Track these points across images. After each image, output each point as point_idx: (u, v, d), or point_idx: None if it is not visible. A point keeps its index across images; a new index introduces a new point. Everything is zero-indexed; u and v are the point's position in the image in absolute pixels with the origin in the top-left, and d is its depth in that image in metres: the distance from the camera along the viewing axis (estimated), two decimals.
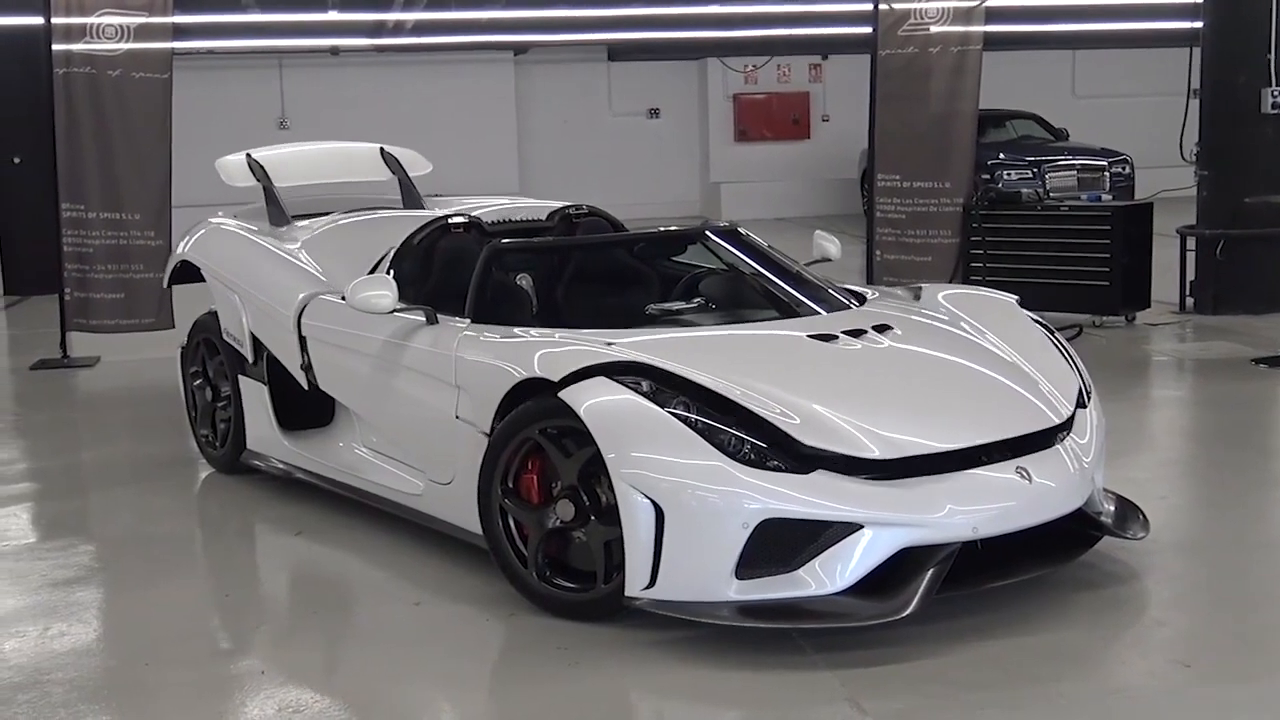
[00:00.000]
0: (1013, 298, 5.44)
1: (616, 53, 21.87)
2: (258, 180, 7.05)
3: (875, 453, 4.14)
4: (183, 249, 7.03)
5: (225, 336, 6.29)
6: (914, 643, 4.05)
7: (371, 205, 7.16)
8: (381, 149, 7.67)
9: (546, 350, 4.54)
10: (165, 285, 7.62)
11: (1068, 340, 5.13)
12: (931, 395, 4.59)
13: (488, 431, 4.58)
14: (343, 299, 5.42)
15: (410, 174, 7.52)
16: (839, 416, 4.23)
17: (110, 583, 5.06)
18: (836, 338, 4.76)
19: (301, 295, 5.83)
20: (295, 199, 7.11)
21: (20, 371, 9.45)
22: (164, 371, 7.99)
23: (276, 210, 6.82)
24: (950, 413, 4.47)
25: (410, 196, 7.36)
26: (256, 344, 6.07)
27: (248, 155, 7.25)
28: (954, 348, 4.92)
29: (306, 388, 5.80)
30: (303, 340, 5.76)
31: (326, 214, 6.86)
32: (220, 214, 7.12)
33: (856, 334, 4.81)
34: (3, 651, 4.29)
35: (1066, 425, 4.58)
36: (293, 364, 5.83)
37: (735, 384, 4.28)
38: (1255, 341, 8.95)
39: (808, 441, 4.12)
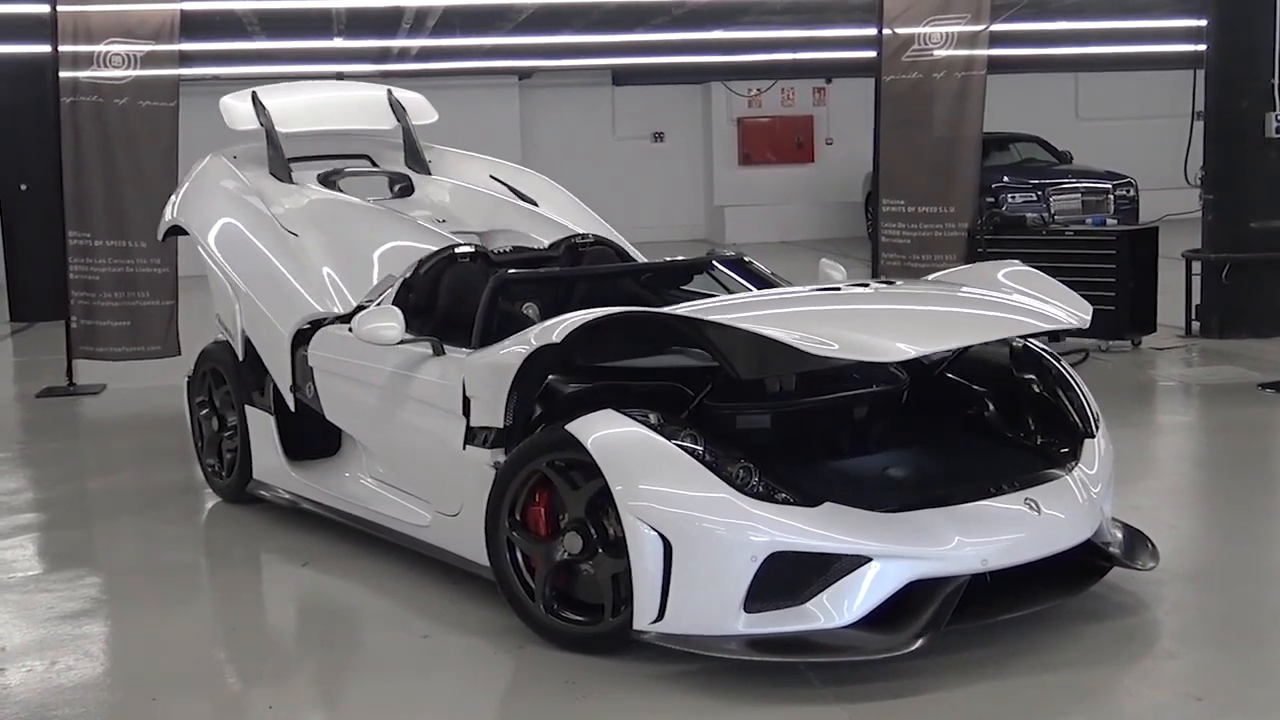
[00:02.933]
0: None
1: (621, 77, 21.93)
2: (261, 124, 6.94)
3: (911, 353, 4.18)
4: (172, 210, 6.90)
5: (216, 320, 6.29)
6: (922, 676, 4.03)
7: (370, 161, 7.17)
8: (390, 92, 7.57)
9: (550, 324, 4.52)
10: (160, 240, 7.44)
11: (1073, 365, 5.12)
12: (944, 311, 4.75)
13: (502, 426, 4.56)
14: (349, 330, 5.45)
15: (416, 122, 7.41)
16: (868, 335, 4.25)
17: (117, 615, 5.05)
18: (840, 288, 5.06)
19: (299, 317, 5.82)
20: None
21: (26, 399, 9.46)
22: (170, 399, 8.01)
23: (277, 157, 6.76)
24: (968, 320, 4.66)
25: (412, 148, 7.28)
26: (247, 343, 6.08)
27: (253, 94, 7.13)
28: (958, 289, 5.07)
29: (293, 409, 5.80)
30: (295, 362, 5.77)
31: (324, 158, 6.81)
32: (219, 154, 6.96)
33: (861, 285, 5.12)
34: (10, 686, 4.28)
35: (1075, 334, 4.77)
36: (283, 383, 5.83)
37: (758, 324, 4.27)
38: (1261, 366, 8.94)
39: (846, 357, 4.12)
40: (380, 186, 7.17)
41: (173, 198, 7.08)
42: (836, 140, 22.14)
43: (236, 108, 7.09)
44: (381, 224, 6.43)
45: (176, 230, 7.01)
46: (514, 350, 4.57)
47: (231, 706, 4.17)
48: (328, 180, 6.91)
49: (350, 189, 6.95)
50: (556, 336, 4.39)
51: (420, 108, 7.57)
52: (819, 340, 4.10)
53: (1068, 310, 4.74)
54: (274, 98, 7.16)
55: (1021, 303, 4.79)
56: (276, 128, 6.92)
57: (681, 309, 4.49)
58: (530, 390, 4.58)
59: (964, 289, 4.97)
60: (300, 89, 7.72)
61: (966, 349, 4.97)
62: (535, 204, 7.07)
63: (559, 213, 7.02)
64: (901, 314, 4.79)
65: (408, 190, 7.02)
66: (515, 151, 21.29)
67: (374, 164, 7.34)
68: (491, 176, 7.34)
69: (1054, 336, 5.17)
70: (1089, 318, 4.76)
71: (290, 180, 6.76)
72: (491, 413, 4.63)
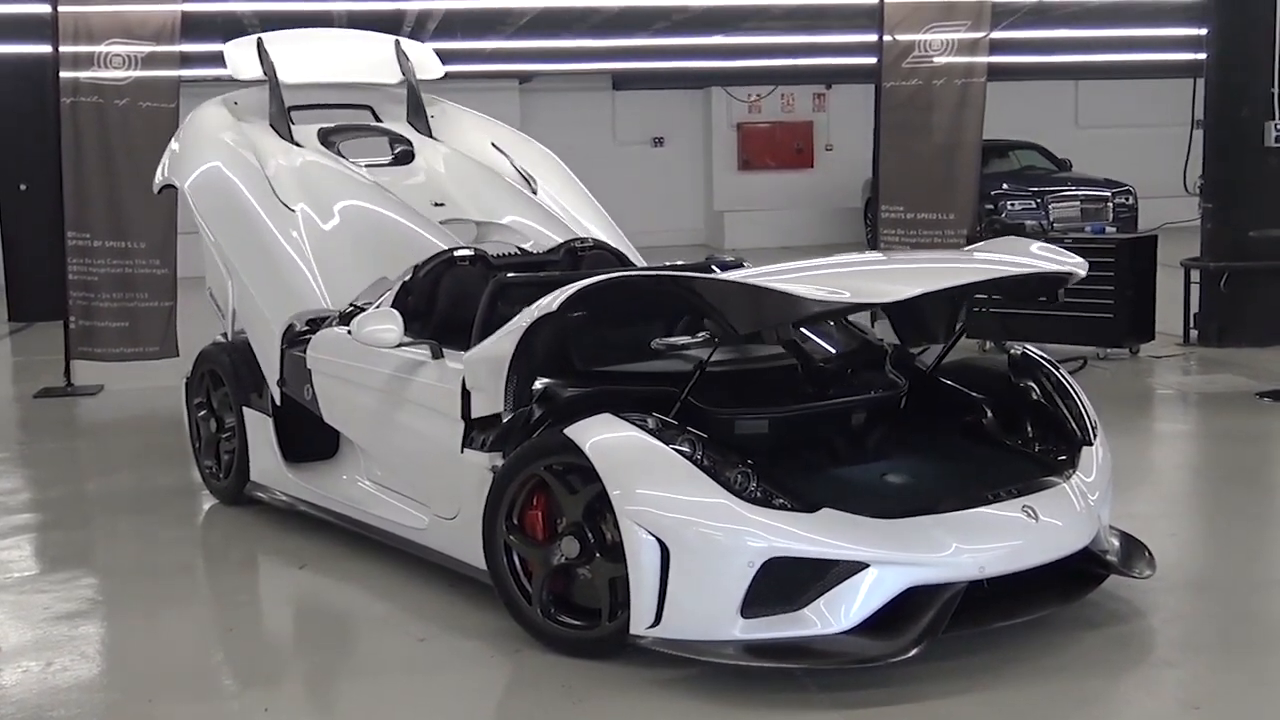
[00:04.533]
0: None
1: (621, 81, 21.93)
2: (265, 74, 6.84)
3: (917, 290, 4.27)
4: (163, 171, 6.79)
5: (207, 293, 6.27)
6: (919, 682, 4.03)
7: (373, 113, 7.12)
8: (397, 43, 7.48)
9: (545, 299, 4.50)
10: (156, 193, 7.30)
11: (1071, 373, 5.12)
12: (943, 266, 4.89)
13: (503, 412, 4.54)
14: (348, 332, 5.45)
15: (421, 76, 7.33)
16: (872, 284, 4.40)
17: (113, 616, 5.05)
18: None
19: (291, 311, 5.81)
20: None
21: (24, 399, 9.45)
22: (168, 400, 8.00)
23: (278, 108, 6.68)
24: (965, 268, 4.74)
25: (415, 103, 7.22)
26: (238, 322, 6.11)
27: (258, 41, 7.02)
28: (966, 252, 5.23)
29: (280, 403, 5.81)
30: (284, 358, 5.78)
31: (326, 107, 6.81)
32: (219, 100, 6.86)
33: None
34: (5, 687, 4.27)
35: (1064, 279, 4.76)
36: (271, 376, 5.83)
37: (767, 280, 4.29)
38: (1259, 374, 8.94)
39: (860, 301, 4.22)
40: (380, 145, 7.10)
41: (168, 150, 6.94)
42: (836, 146, 22.14)
43: (240, 56, 6.98)
44: (378, 209, 6.35)
45: (171, 187, 6.91)
46: (512, 328, 4.55)
47: (228, 709, 4.16)
48: (327, 140, 6.81)
49: (349, 148, 6.88)
50: (555, 306, 4.36)
51: (426, 61, 7.48)
52: (829, 290, 4.15)
53: (1060, 261, 4.76)
54: (279, 45, 7.03)
55: (1019, 260, 4.82)
56: (280, 77, 6.82)
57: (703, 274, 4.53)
58: (530, 372, 4.54)
59: (976, 253, 5.09)
60: (307, 37, 7.56)
61: (963, 334, 5.08)
62: (534, 185, 7.02)
63: (559, 195, 6.97)
64: (903, 270, 4.92)
65: (407, 156, 6.97)
66: None
67: (376, 117, 7.27)
68: (493, 145, 7.28)
69: (1053, 304, 5.27)
70: (1084, 271, 4.77)
71: (290, 136, 6.67)
72: (492, 400, 4.60)
